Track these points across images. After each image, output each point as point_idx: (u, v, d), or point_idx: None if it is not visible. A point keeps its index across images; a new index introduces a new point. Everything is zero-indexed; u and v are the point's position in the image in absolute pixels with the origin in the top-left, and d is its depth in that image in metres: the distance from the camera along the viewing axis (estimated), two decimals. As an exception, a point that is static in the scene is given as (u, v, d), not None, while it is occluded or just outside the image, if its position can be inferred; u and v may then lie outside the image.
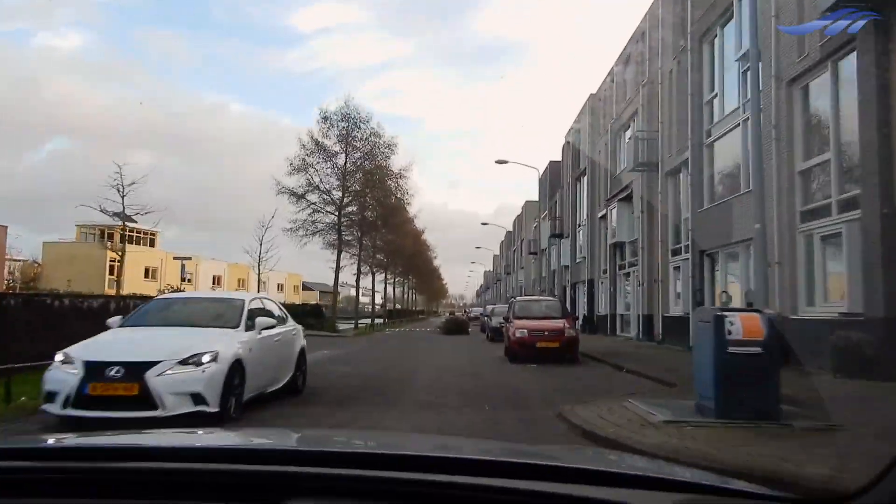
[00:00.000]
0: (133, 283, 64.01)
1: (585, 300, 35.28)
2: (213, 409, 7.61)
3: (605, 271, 32.69)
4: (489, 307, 43.65)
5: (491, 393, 11.49)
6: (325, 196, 40.02)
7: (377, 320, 63.09)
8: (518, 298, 17.96)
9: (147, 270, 66.96)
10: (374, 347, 24.97)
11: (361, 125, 39.91)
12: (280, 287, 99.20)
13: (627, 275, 28.85)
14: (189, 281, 72.86)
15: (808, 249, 14.06)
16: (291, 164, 38.83)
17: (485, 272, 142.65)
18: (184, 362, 7.67)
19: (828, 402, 8.22)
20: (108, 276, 63.64)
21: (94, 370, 7.44)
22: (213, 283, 79.03)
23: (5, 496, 1.35)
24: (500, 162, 36.79)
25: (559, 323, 17.23)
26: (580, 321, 31.61)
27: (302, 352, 11.19)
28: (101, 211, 36.71)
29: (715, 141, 19.11)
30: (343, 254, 47.21)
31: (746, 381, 7.18)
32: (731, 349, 7.19)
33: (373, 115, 41.98)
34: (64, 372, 7.57)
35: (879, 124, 11.33)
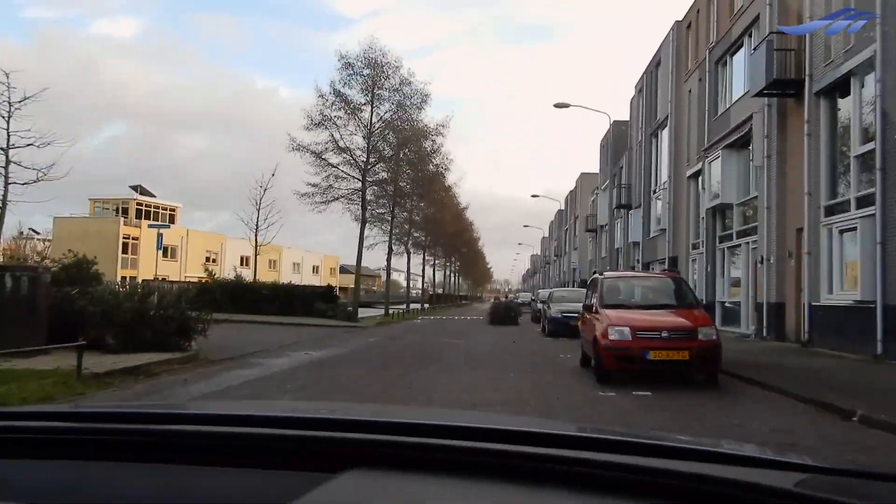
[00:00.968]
0: (150, 263, 58.70)
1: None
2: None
3: (695, 246, 25.24)
4: (543, 292, 36.37)
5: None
6: (348, 156, 33.16)
7: (414, 305, 56.48)
8: (608, 274, 11.13)
9: (166, 249, 61.07)
10: (375, 350, 16.87)
11: (390, 73, 32.87)
12: (315, 269, 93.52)
13: (735, 249, 21.38)
14: (213, 261, 67.47)
15: None
16: (310, 117, 32.07)
17: (531, 256, 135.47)
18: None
19: None
20: (121, 255, 58.25)
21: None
22: (241, 263, 73.35)
23: (47, 456, 1.32)
24: (559, 106, 29.36)
25: (685, 317, 10.15)
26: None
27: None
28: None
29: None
30: (374, 230, 40.73)
31: None
32: None
33: (402, 62, 34.39)
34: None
35: None
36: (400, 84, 32.88)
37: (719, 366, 9.92)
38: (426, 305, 63.10)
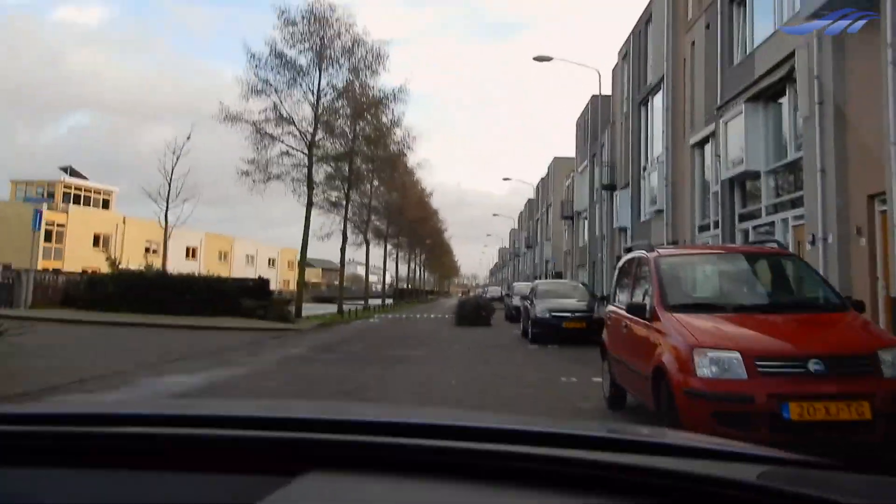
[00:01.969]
0: (79, 253, 52.91)
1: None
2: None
3: (703, 227, 20.93)
4: (521, 284, 31.70)
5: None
6: (292, 127, 28.18)
7: (373, 301, 51.59)
8: (665, 251, 6.22)
9: (98, 238, 55.06)
10: (281, 374, 10.90)
11: (341, 30, 27.91)
12: (271, 262, 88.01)
13: (764, 229, 17.02)
14: (154, 252, 61.75)
15: None
16: (247, 83, 26.99)
17: (500, 249, 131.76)
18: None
19: None
20: (43, 243, 52.22)
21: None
22: (188, 255, 67.58)
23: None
24: (540, 59, 24.72)
25: (847, 332, 5.57)
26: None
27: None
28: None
29: None
30: (330, 217, 35.70)
31: None
32: None
33: (355, 20, 29.36)
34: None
35: None
36: (353, 44, 28.02)
37: None
38: (389, 301, 58.31)
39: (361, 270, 73.70)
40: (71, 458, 1.17)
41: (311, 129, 28.17)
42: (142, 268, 25.91)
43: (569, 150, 51.58)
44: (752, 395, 4.72)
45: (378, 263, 60.56)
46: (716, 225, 19.90)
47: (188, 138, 28.51)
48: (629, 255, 7.90)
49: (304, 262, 29.62)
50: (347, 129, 30.33)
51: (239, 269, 70.18)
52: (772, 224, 16.37)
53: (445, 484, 1.07)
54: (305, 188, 28.30)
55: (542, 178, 67.86)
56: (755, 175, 17.02)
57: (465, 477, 1.07)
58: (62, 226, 53.83)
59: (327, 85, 28.10)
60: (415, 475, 1.09)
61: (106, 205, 57.80)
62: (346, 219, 35.33)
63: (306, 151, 28.11)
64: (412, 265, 78.46)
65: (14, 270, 26.01)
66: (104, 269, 49.62)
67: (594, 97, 40.64)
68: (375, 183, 40.23)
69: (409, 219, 48.21)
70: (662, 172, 24.42)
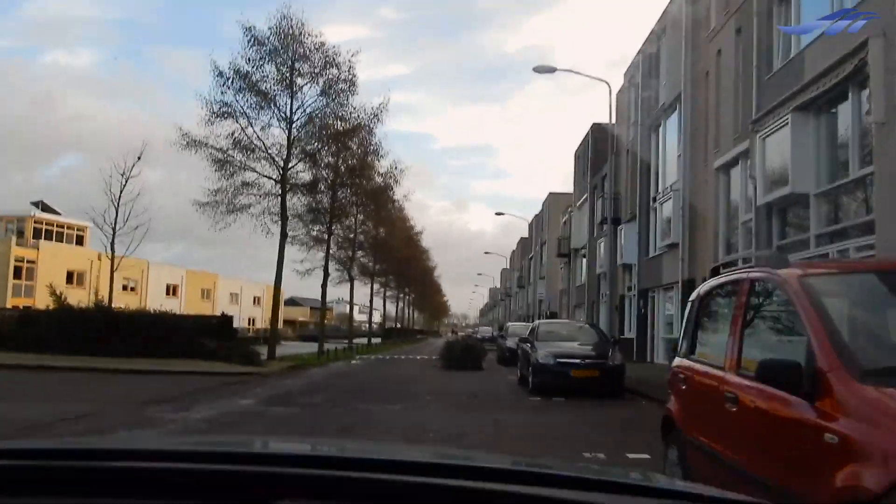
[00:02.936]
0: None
1: (679, 318, 20.17)
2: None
3: (728, 264, 18.14)
4: (515, 325, 28.74)
5: None
6: (263, 153, 25.35)
7: (358, 340, 48.37)
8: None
9: (71, 275, 51.78)
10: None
11: (309, 51, 24.99)
12: (257, 300, 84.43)
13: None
14: (133, 290, 58.50)
15: None
16: (210, 105, 24.13)
17: (490, 290, 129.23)
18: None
19: None
20: (12, 280, 48.97)
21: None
22: (168, 292, 64.34)
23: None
24: (540, 70, 22.16)
25: None
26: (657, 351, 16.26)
27: None
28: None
29: None
30: (311, 252, 32.75)
31: None
32: None
33: (325, 37, 26.40)
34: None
35: None
36: (324, 66, 25.16)
37: None
38: (376, 340, 55.21)
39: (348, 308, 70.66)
40: (44, 493, 1.19)
41: (283, 156, 25.42)
42: (92, 304, 22.84)
43: (565, 186, 49.21)
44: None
45: (365, 302, 57.83)
46: (745, 261, 17.06)
47: (138, 158, 25.55)
48: (726, 278, 5.04)
49: (277, 297, 26.68)
50: (326, 155, 27.58)
51: (222, 307, 66.90)
52: (825, 257, 13.57)
53: None
54: (279, 219, 25.46)
55: (537, 215, 65.35)
56: (802, 199, 14.29)
57: None
58: (32, 262, 50.73)
59: (298, 108, 25.41)
60: None
61: (80, 241, 54.67)
62: (328, 253, 32.49)
63: (278, 178, 25.32)
64: (401, 304, 75.59)
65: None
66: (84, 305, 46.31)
67: (595, 125, 38.32)
68: (360, 217, 37.39)
69: (398, 257, 45.43)
70: (678, 202, 21.71)
